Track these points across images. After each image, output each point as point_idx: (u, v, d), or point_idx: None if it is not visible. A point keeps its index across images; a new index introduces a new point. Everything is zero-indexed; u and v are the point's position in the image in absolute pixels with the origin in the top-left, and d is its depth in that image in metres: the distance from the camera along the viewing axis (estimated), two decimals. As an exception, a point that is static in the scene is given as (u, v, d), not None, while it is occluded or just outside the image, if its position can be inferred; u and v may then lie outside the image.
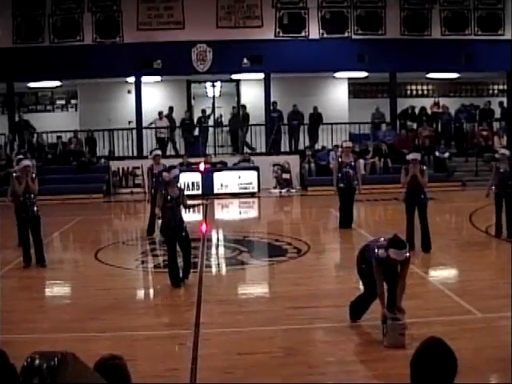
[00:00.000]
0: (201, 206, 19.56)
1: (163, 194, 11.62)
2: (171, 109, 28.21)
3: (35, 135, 27.99)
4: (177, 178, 11.98)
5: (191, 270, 12.03)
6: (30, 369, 1.89)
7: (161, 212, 11.66)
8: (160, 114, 27.73)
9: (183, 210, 12.09)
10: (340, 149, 18.85)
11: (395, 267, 8.31)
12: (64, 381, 1.93)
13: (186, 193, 23.95)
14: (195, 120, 28.96)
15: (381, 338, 8.23)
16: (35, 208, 13.60)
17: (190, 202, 12.84)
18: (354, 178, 17.19)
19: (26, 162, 13.90)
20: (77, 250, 16.49)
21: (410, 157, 14.34)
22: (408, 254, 8.18)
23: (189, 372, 7.45)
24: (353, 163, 17.27)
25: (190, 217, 22.02)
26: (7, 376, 3.38)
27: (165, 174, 12.30)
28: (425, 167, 14.47)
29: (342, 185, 17.06)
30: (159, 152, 18.23)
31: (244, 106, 28.72)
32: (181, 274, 11.67)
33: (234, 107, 29.34)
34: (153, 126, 27.79)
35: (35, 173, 14.62)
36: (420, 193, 13.94)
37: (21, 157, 16.28)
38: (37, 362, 1.91)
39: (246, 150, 27.98)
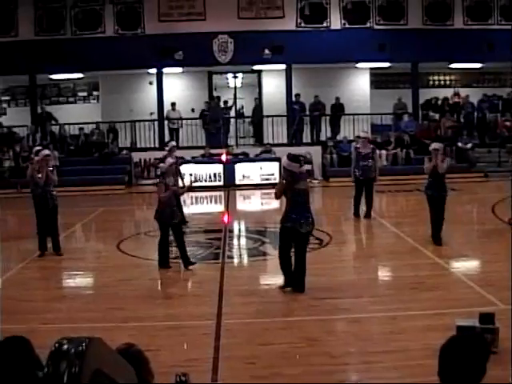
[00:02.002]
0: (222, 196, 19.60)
1: (162, 183, 12.19)
2: (218, 98, 28.63)
3: (57, 127, 28.11)
4: (171, 168, 12.53)
5: (190, 259, 12.34)
6: (58, 353, 1.90)
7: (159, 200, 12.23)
8: (173, 105, 27.77)
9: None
10: (359, 141, 18.81)
11: None
12: (92, 366, 1.95)
13: (208, 184, 24.26)
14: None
15: (401, 328, 8.24)
16: (54, 198, 13.70)
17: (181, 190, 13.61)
18: (373, 168, 17.19)
19: (46, 152, 13.99)
20: (99, 241, 16.56)
21: (431, 147, 14.24)
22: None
23: (211, 362, 7.49)
24: (371, 154, 17.27)
25: (212, 208, 22.15)
26: (31, 363, 3.42)
27: (161, 164, 12.73)
28: (447, 158, 14.27)
29: (358, 175, 17.12)
30: (174, 143, 18.55)
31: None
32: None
33: (255, 98, 29.32)
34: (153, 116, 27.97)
35: (55, 164, 14.70)
36: (442, 184, 13.78)
37: (39, 148, 16.34)
38: (65, 346, 1.92)
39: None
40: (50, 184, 13.62)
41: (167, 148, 17.63)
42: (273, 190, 11.46)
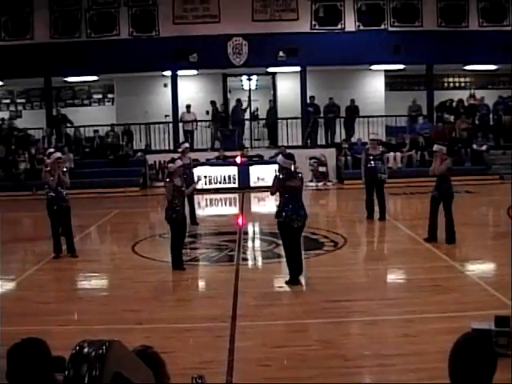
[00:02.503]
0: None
1: (171, 183, 12.33)
2: (239, 100, 28.59)
3: (73, 129, 28.23)
4: (179, 169, 12.68)
5: (183, 265, 12.43)
6: (79, 356, 1.92)
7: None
8: (188, 107, 27.82)
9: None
10: (368, 143, 18.92)
11: None
12: (111, 369, 1.96)
13: (223, 186, 24.31)
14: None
15: (416, 331, 8.22)
16: (66, 200, 13.77)
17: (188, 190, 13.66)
18: (382, 170, 17.24)
19: (58, 155, 14.07)
20: (114, 243, 16.61)
21: (433, 148, 14.50)
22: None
23: (225, 364, 7.49)
24: (380, 155, 17.36)
25: (226, 210, 22.16)
26: (48, 364, 3.44)
27: (170, 164, 12.76)
28: (448, 160, 14.29)
29: (368, 177, 17.17)
30: (187, 145, 18.68)
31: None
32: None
33: (270, 100, 29.34)
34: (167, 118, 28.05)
35: (68, 166, 14.76)
36: (441, 185, 13.92)
37: (51, 150, 16.43)
38: (85, 350, 1.94)
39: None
40: (62, 186, 13.69)
41: (180, 150, 17.71)
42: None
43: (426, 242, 13.90)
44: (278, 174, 11.24)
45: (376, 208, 17.11)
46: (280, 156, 11.57)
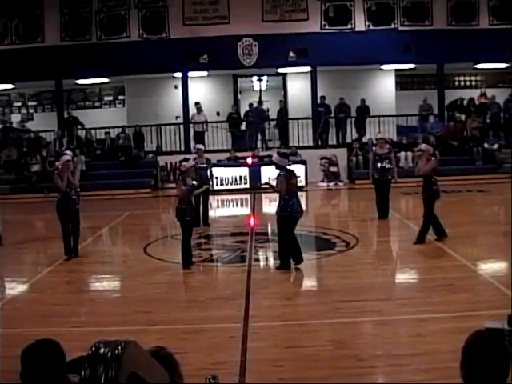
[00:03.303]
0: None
1: (182, 182, 12.60)
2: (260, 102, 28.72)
3: (84, 131, 28.31)
4: (191, 168, 12.97)
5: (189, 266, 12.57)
6: (95, 357, 1.93)
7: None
8: (199, 108, 27.84)
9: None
10: (374, 141, 19.07)
11: None
12: (127, 369, 1.98)
13: (234, 187, 24.35)
14: (242, 114, 29.00)
15: (428, 331, 8.21)
16: (75, 202, 13.85)
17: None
18: (390, 169, 17.35)
19: (67, 158, 14.15)
20: (126, 244, 16.64)
21: (421, 147, 14.63)
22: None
23: (238, 365, 7.50)
24: (388, 154, 17.48)
25: (238, 211, 22.17)
26: (62, 366, 3.46)
27: (183, 163, 13.12)
28: (433, 160, 14.29)
29: (376, 176, 17.35)
30: (201, 146, 18.77)
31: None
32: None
33: (280, 101, 29.34)
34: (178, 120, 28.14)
35: (80, 168, 14.86)
36: (431, 184, 13.99)
37: (68, 152, 16.53)
38: (101, 350, 1.95)
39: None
40: (71, 188, 13.77)
41: (194, 151, 17.82)
42: (300, 193, 12.82)
43: (437, 241, 13.88)
44: (281, 173, 12.12)
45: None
46: (275, 155, 12.60)
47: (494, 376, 2.98)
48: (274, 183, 12.72)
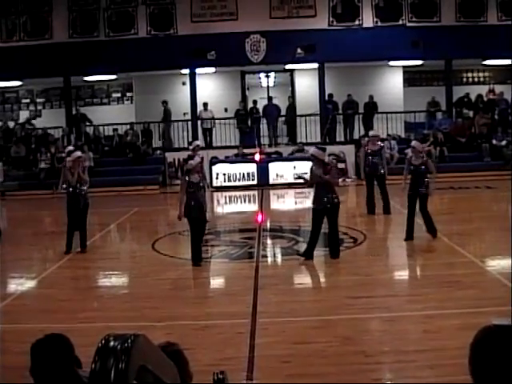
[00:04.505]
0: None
1: (185, 180, 12.53)
2: (270, 98, 28.90)
3: (92, 128, 28.37)
4: (198, 165, 12.93)
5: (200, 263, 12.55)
6: (105, 350, 1.95)
7: (185, 196, 12.46)
8: (205, 105, 27.88)
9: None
10: (367, 138, 19.32)
11: None
12: (137, 362, 2.00)
13: (242, 183, 24.36)
14: (251, 111, 29.02)
15: (436, 327, 8.23)
16: (85, 198, 13.99)
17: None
18: (380, 165, 17.59)
19: (78, 154, 14.35)
20: (134, 241, 16.69)
21: (412, 144, 14.68)
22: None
23: (246, 361, 7.52)
24: (379, 151, 17.79)
25: (246, 207, 22.19)
26: (71, 360, 3.49)
27: (190, 161, 13.08)
28: (425, 157, 14.31)
29: (367, 171, 17.71)
30: (199, 142, 19.23)
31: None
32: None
33: (289, 97, 29.34)
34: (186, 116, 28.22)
35: (87, 165, 15.00)
36: (420, 183, 13.90)
37: (71, 148, 16.62)
38: (111, 343, 1.97)
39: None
40: (81, 184, 13.90)
41: (191, 147, 17.90)
42: (307, 189, 13.04)
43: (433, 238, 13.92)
44: (315, 165, 12.50)
45: (381, 202, 17.40)
46: (314, 149, 12.93)
47: (502, 372, 2.99)
48: (306, 176, 13.23)
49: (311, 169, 12.70)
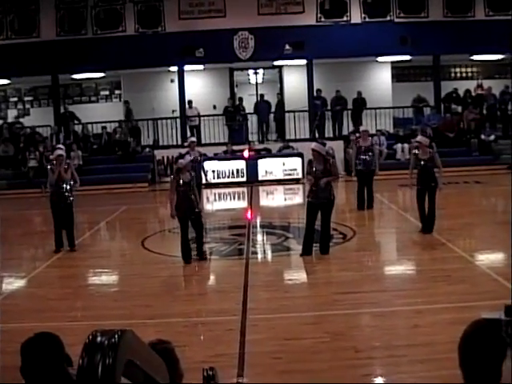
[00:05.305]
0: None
1: (175, 179, 12.50)
2: (262, 96, 28.74)
3: (80, 126, 28.29)
4: (189, 164, 12.79)
5: (207, 251, 12.88)
6: (93, 346, 1.95)
7: (175, 195, 12.47)
8: (189, 102, 27.86)
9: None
10: (357, 134, 19.42)
11: None
12: (124, 357, 2.00)
13: (231, 180, 24.36)
14: (242, 108, 28.99)
15: (426, 322, 8.25)
16: (68, 196, 13.92)
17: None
18: (372, 161, 17.75)
19: (59, 152, 14.33)
20: (123, 239, 16.68)
21: (417, 139, 14.71)
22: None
23: (237, 357, 7.53)
24: (371, 147, 17.94)
25: (235, 204, 22.19)
26: (61, 358, 3.48)
27: (180, 160, 13.00)
28: (431, 150, 14.35)
29: (359, 168, 17.72)
30: (194, 139, 19.31)
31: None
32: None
33: (277, 94, 29.34)
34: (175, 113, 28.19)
35: (76, 163, 14.97)
36: (429, 177, 13.96)
37: (60, 146, 16.61)
38: (98, 339, 1.97)
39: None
40: (63, 182, 13.85)
41: (186, 144, 17.91)
42: (296, 186, 12.98)
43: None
44: (313, 161, 12.43)
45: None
46: (316, 144, 12.90)
47: (490, 365, 3.00)
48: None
49: (310, 164, 12.59)
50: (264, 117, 28.46)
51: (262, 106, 28.54)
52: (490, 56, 28.39)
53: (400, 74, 30.40)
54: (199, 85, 28.97)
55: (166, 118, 27.89)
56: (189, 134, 26.89)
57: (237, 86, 30.20)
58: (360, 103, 28.13)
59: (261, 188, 23.83)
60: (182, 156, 13.20)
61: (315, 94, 27.77)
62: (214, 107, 28.77)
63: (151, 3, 27.12)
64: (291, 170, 25.03)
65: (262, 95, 28.95)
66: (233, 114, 28.45)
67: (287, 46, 26.66)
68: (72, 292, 11.04)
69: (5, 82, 28.84)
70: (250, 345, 7.91)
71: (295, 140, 26.91)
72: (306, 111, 27.71)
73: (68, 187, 13.99)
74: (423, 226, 13.99)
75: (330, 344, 7.88)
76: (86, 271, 12.76)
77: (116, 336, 1.98)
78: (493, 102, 28.36)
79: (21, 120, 29.36)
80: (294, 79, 29.04)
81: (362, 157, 17.63)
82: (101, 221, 18.13)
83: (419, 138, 14.87)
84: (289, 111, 28.25)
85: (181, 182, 12.35)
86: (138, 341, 2.27)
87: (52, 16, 26.96)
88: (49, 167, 14.32)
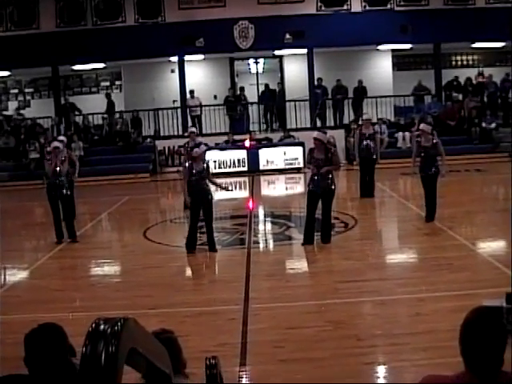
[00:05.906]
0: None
1: (188, 168, 12.53)
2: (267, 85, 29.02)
3: (81, 117, 28.28)
4: (204, 154, 12.93)
5: (216, 244, 12.65)
6: (96, 334, 1.96)
7: (187, 185, 12.48)
8: (191, 92, 27.83)
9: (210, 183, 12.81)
10: (360, 122, 19.45)
11: None
12: (127, 345, 2.01)
13: (232, 170, 24.35)
14: (243, 97, 28.96)
15: (428, 310, 8.27)
16: (65, 188, 13.92)
17: (217, 181, 14.25)
18: (374, 149, 17.80)
19: (55, 144, 14.32)
20: (125, 229, 16.68)
21: (420, 127, 14.68)
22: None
23: (239, 346, 7.55)
24: (373, 135, 17.98)
25: (237, 193, 22.20)
26: (64, 349, 3.49)
27: (195, 149, 12.92)
28: (435, 140, 14.33)
29: (362, 155, 17.84)
30: (194, 129, 19.13)
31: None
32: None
33: (278, 83, 29.31)
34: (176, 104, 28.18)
35: (77, 154, 14.98)
36: (431, 164, 13.96)
37: (62, 138, 16.62)
38: (101, 327, 1.98)
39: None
40: (60, 174, 13.85)
41: (186, 134, 17.94)
42: (298, 175, 12.98)
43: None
44: (314, 149, 12.41)
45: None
46: (319, 133, 12.80)
47: (491, 352, 3.02)
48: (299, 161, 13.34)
49: (311, 153, 12.58)
50: (270, 106, 28.49)
51: (267, 95, 28.56)
52: (490, 44, 28.30)
53: (401, 62, 30.34)
54: (200, 75, 28.93)
55: (167, 109, 27.85)
56: (190, 124, 26.86)
57: (237, 75, 30.15)
58: (361, 92, 28.08)
59: (262, 177, 23.83)
60: (197, 145, 13.14)
61: (316, 83, 27.73)
62: (215, 97, 28.73)
63: (151, -7, 27.06)
64: (292, 159, 25.03)
65: (267, 84, 28.94)
66: (233, 103, 28.44)
67: (287, 35, 26.61)
68: (74, 283, 11.07)
69: (5, 73, 28.83)
70: (252, 334, 7.93)
71: (296, 129, 26.87)
72: (306, 100, 27.67)
73: (64, 179, 13.97)
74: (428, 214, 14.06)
75: (331, 333, 7.90)
76: (88, 262, 12.78)
77: (119, 324, 2.00)
78: (493, 90, 28.32)
79: (21, 112, 29.31)
80: (295, 68, 28.99)
81: (364, 143, 17.71)
82: (102, 212, 18.14)
83: (422, 125, 14.90)
84: (289, 100, 28.20)
85: (193, 171, 12.33)
86: (141, 329, 2.29)
87: (52, 7, 26.92)
88: (45, 159, 14.35)
